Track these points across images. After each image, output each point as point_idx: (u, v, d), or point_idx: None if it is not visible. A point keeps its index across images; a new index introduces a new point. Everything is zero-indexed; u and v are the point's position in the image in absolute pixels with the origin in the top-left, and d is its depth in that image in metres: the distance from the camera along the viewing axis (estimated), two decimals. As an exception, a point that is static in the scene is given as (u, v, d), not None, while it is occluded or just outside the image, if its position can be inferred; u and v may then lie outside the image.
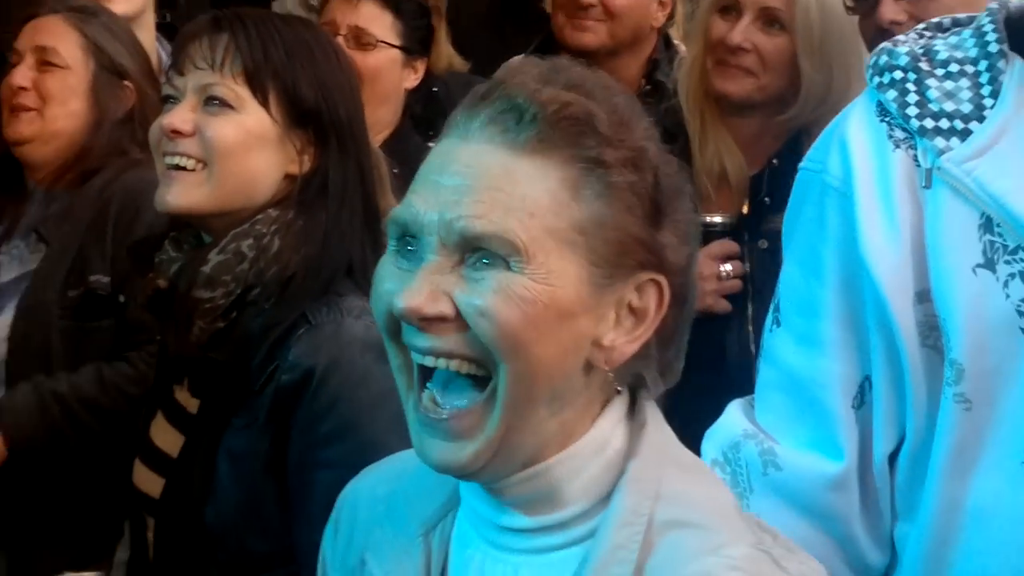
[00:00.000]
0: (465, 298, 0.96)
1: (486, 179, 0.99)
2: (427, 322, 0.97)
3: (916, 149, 1.24)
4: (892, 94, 1.26)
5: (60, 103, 1.98)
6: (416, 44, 2.25)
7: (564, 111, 0.99)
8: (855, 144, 1.28)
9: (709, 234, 2.08)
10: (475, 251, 0.98)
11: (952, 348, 1.18)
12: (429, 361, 0.98)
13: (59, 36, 2.02)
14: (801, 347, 1.32)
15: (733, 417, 1.37)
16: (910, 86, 1.26)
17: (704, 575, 0.98)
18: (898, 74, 1.27)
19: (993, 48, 1.27)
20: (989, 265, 1.19)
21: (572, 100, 1.00)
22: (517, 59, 1.56)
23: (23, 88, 1.98)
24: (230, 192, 1.45)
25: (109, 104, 2.04)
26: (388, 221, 1.05)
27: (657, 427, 1.07)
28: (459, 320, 0.97)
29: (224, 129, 1.42)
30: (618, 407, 1.05)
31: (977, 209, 1.19)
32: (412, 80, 2.26)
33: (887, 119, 1.27)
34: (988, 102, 1.26)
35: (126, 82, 2.06)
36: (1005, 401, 1.19)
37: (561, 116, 0.99)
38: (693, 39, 2.21)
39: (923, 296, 1.21)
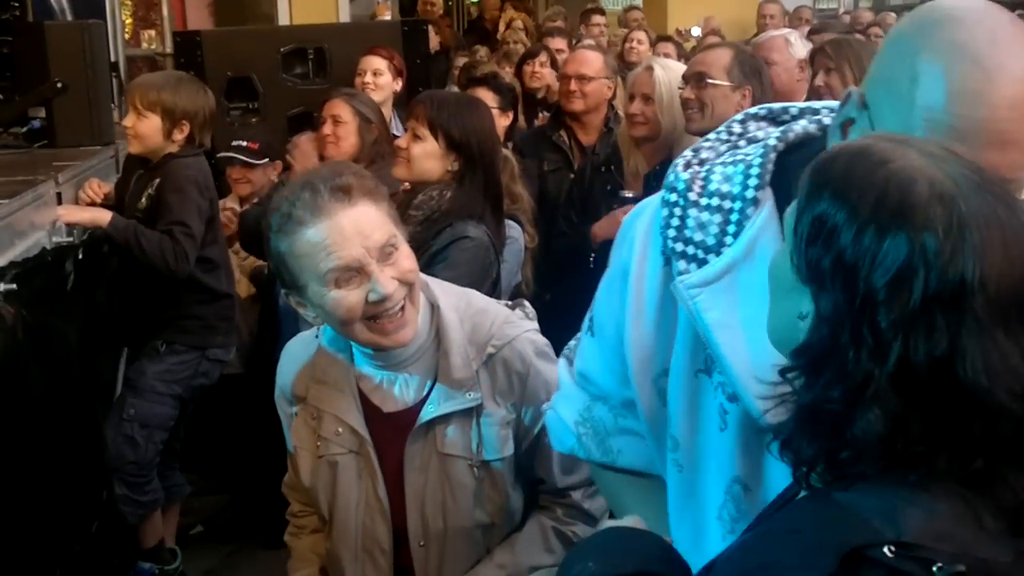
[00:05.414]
0: None
1: None
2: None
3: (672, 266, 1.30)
4: (666, 212, 1.32)
5: (345, 139, 3.72)
6: (506, 105, 4.27)
7: None
8: (639, 247, 1.36)
9: (625, 200, 3.52)
10: None
11: (672, 425, 1.31)
12: None
13: (340, 107, 3.74)
14: (605, 371, 1.46)
15: (574, 391, 1.54)
16: (677, 211, 1.31)
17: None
18: (673, 196, 1.32)
19: (749, 193, 1.28)
20: (708, 372, 1.27)
21: None
22: None
23: (328, 134, 3.73)
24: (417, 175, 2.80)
25: (365, 137, 3.72)
26: None
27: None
28: None
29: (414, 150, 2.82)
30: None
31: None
32: (507, 120, 4.26)
33: (664, 232, 1.32)
34: (729, 240, 1.28)
35: (372, 125, 3.75)
36: (704, 472, 1.31)
37: None
38: (624, 107, 4.26)
39: (663, 375, 1.33)
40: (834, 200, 0.98)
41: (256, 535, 3.87)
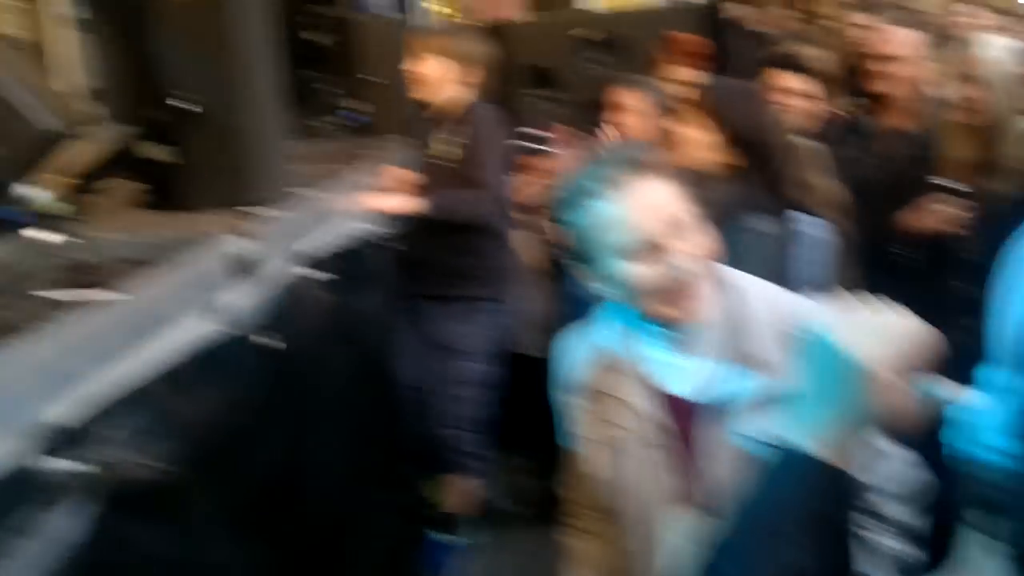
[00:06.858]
0: None
1: None
2: None
3: None
4: None
5: (631, 127, 3.60)
6: (815, 90, 3.79)
7: None
8: None
9: (940, 189, 3.49)
10: None
11: None
12: None
13: (628, 95, 3.66)
14: None
15: None
16: None
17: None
18: None
19: None
20: None
21: None
22: None
23: (614, 122, 3.65)
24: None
25: (651, 125, 3.48)
26: None
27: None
28: None
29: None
30: None
31: None
32: (816, 107, 3.83)
33: None
34: None
35: (659, 113, 3.50)
36: None
37: None
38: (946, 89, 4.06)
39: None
40: None
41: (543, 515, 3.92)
